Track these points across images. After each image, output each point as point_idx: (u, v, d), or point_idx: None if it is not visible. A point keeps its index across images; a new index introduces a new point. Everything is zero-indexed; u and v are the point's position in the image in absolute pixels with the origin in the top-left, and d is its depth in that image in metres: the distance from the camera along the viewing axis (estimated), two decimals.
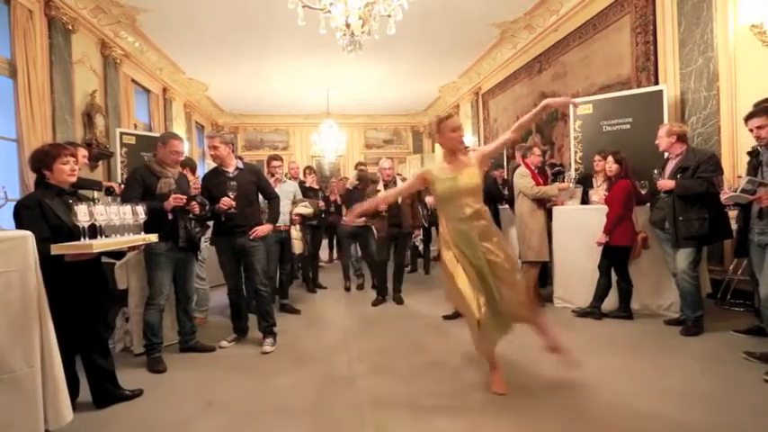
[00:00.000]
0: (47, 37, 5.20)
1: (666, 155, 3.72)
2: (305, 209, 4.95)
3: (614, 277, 3.98)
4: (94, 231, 2.21)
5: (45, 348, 1.91)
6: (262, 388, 2.76)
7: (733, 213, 3.35)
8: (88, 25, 6.03)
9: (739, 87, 4.05)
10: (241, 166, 3.56)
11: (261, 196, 3.70)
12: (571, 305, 4.28)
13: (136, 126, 7.38)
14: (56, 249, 2.08)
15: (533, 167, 4.61)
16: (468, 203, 2.43)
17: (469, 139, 9.92)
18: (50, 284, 1.99)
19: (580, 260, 4.22)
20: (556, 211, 4.50)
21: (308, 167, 6.40)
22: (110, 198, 2.49)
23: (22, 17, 4.78)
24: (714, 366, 2.83)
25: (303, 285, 5.79)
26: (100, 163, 6.16)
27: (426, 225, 6.52)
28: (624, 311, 3.94)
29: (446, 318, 4.14)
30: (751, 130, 2.98)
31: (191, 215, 3.25)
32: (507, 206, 5.29)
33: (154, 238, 2.58)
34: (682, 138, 3.57)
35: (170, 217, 3.13)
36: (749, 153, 3.11)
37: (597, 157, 4.44)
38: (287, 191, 4.84)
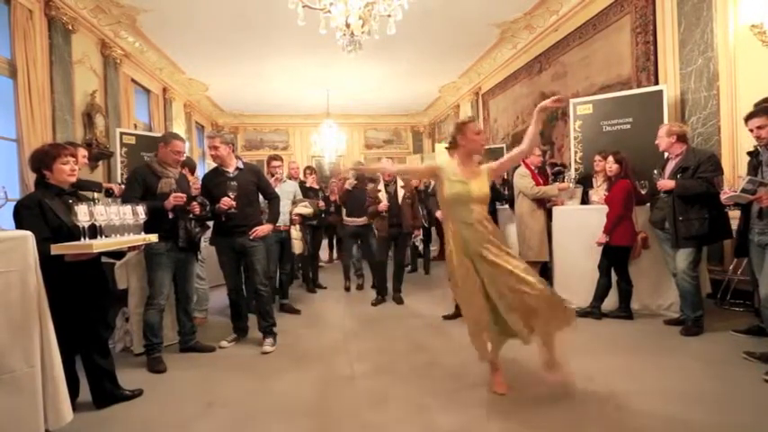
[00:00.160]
0: (47, 37, 5.20)
1: (666, 155, 3.72)
2: (305, 209, 4.95)
3: (614, 277, 3.98)
4: (94, 231, 2.21)
5: (45, 348, 1.91)
6: (262, 388, 2.76)
7: (733, 213, 3.35)
8: (88, 25, 6.03)
9: (739, 87, 4.04)
10: (241, 166, 3.56)
11: (261, 196, 3.70)
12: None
13: (136, 126, 7.38)
14: (56, 249, 2.08)
15: (533, 167, 4.62)
16: (476, 210, 2.46)
17: None
18: (50, 284, 2.00)
19: (580, 260, 4.22)
20: (556, 211, 4.50)
21: (309, 167, 6.40)
22: (110, 200, 2.50)
23: (22, 17, 4.78)
24: (714, 366, 2.83)
25: (303, 285, 5.79)
26: (100, 163, 6.16)
27: (426, 225, 6.54)
28: (624, 311, 3.94)
29: (446, 318, 4.14)
30: (751, 130, 2.98)
31: (191, 215, 3.26)
32: (507, 206, 5.30)
33: (154, 238, 2.58)
34: (682, 138, 3.57)
35: (170, 216, 3.13)
36: (749, 153, 3.11)
37: (597, 157, 4.44)
38: (287, 191, 4.84)
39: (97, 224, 2.19)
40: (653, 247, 3.98)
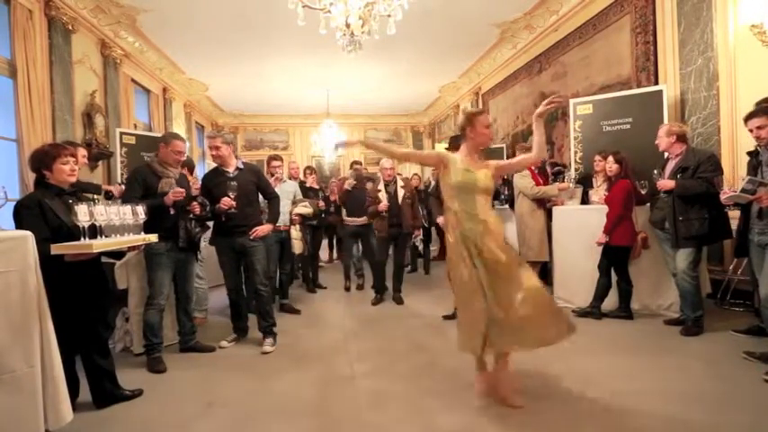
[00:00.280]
0: (47, 37, 5.20)
1: (666, 155, 3.72)
2: (305, 209, 4.95)
3: (614, 277, 3.98)
4: (94, 231, 2.21)
5: (45, 348, 1.91)
6: (262, 388, 2.76)
7: (733, 213, 3.35)
8: (88, 25, 6.03)
9: (739, 87, 4.04)
10: (241, 166, 3.56)
11: (261, 196, 3.70)
12: (571, 305, 4.27)
13: (136, 126, 7.38)
14: (56, 249, 2.08)
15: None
16: (480, 201, 2.42)
17: None
18: (50, 284, 1.99)
19: (580, 260, 4.22)
20: (556, 211, 4.50)
21: (309, 167, 6.41)
22: (110, 202, 2.50)
23: (22, 17, 4.78)
24: (714, 366, 2.83)
25: (303, 285, 5.79)
26: (100, 163, 6.16)
27: (426, 225, 6.54)
28: (624, 311, 3.94)
29: (446, 318, 4.14)
30: (751, 131, 2.98)
31: (191, 215, 3.26)
32: (507, 206, 5.30)
33: (154, 238, 2.58)
34: (681, 138, 3.57)
35: (171, 212, 3.12)
36: (749, 153, 3.11)
37: (597, 157, 4.44)
38: (287, 191, 4.84)
39: (97, 224, 2.19)
40: (653, 247, 3.98)
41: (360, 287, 5.76)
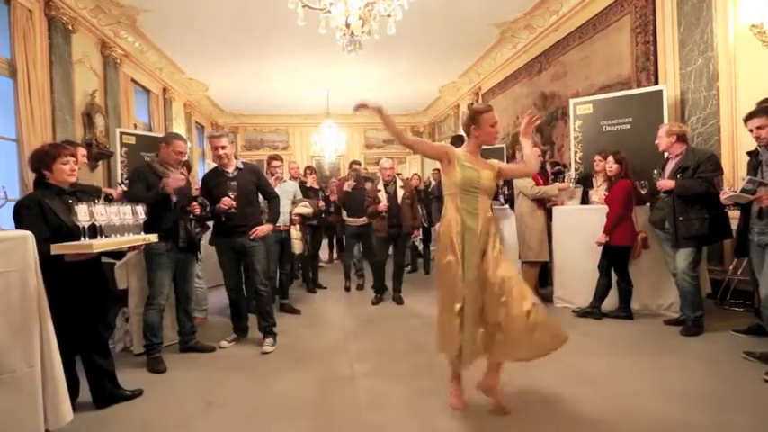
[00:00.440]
0: (47, 37, 5.20)
1: (666, 155, 3.72)
2: (305, 209, 4.95)
3: (614, 277, 3.98)
4: (94, 231, 2.21)
5: (45, 348, 1.91)
6: (262, 388, 2.76)
7: (733, 213, 3.35)
8: (88, 25, 6.03)
9: (739, 87, 4.04)
10: (240, 165, 3.56)
11: (261, 196, 3.70)
12: (571, 305, 4.28)
13: (136, 126, 7.38)
14: (56, 249, 2.08)
15: None
16: (482, 200, 2.36)
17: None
18: (50, 284, 1.99)
19: (580, 260, 4.22)
20: (556, 211, 4.50)
21: (309, 167, 6.41)
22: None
23: (22, 17, 4.78)
24: (714, 366, 2.83)
25: (303, 285, 5.79)
26: (100, 163, 6.16)
27: (426, 225, 6.54)
28: (624, 311, 3.94)
29: None
30: (750, 131, 2.98)
31: (191, 215, 3.26)
32: (507, 206, 5.30)
33: (154, 238, 2.58)
34: (681, 138, 3.57)
35: (174, 199, 3.11)
36: (749, 153, 3.11)
37: (597, 157, 4.44)
38: (287, 191, 4.84)
39: (97, 224, 2.19)
40: (653, 247, 3.98)
41: (360, 287, 5.76)
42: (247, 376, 2.95)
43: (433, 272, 2.58)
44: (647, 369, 2.84)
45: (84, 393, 2.48)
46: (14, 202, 2.30)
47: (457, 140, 5.34)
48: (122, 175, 5.65)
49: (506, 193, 5.41)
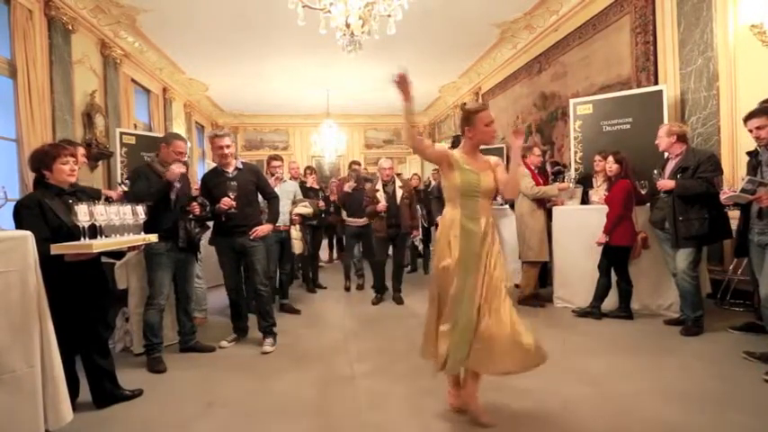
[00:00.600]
0: (47, 37, 5.20)
1: (666, 155, 3.72)
2: (305, 209, 4.95)
3: (614, 277, 3.98)
4: (94, 231, 2.21)
5: (45, 348, 1.91)
6: (262, 388, 2.76)
7: (733, 213, 3.35)
8: (88, 25, 6.02)
9: (739, 87, 4.04)
10: (240, 165, 3.56)
11: (260, 196, 3.70)
12: (571, 305, 4.28)
13: (136, 126, 7.38)
14: (56, 249, 2.08)
15: (533, 167, 4.61)
16: (482, 203, 2.31)
17: None
18: (50, 284, 1.99)
19: (580, 260, 4.22)
20: (556, 211, 4.50)
21: (309, 167, 6.41)
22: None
23: (22, 17, 4.78)
24: (714, 366, 2.83)
25: (303, 285, 5.79)
26: (100, 163, 6.16)
27: (426, 225, 6.54)
28: (624, 311, 3.94)
29: None
30: (750, 131, 2.98)
31: (191, 215, 3.26)
32: (507, 206, 5.30)
33: (154, 238, 2.58)
34: (681, 138, 3.57)
35: (177, 185, 3.10)
36: (749, 153, 3.11)
37: (597, 157, 4.44)
38: (287, 191, 4.84)
39: (97, 224, 2.19)
40: (653, 247, 3.98)
41: (360, 287, 5.76)
42: (247, 376, 2.95)
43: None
44: (647, 369, 2.84)
45: (84, 393, 2.48)
46: (14, 202, 2.30)
47: (457, 140, 5.34)
48: (122, 175, 5.65)
49: None
